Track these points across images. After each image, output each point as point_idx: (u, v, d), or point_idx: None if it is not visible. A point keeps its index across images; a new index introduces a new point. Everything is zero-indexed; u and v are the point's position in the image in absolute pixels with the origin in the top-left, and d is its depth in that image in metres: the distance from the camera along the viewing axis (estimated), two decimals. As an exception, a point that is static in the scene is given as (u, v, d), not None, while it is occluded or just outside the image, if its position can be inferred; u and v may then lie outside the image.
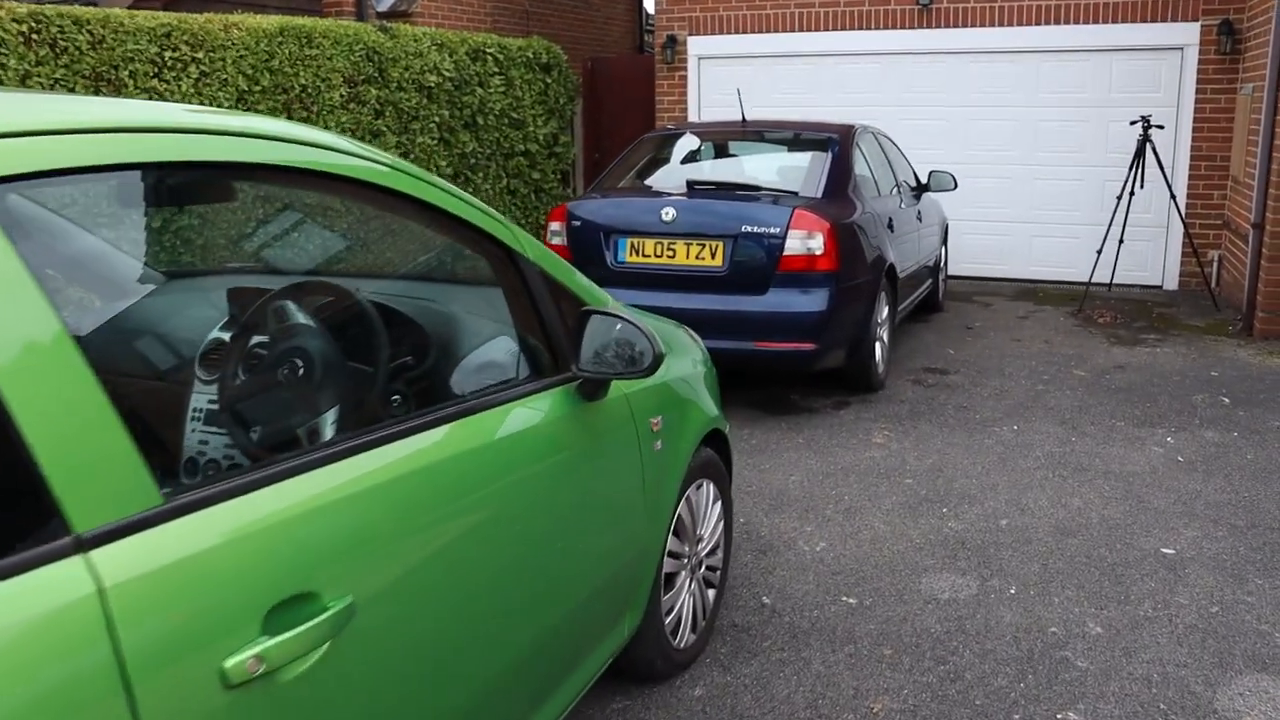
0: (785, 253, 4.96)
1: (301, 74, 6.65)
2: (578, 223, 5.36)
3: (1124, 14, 8.83)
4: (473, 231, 2.04)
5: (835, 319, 5.09)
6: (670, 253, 5.16)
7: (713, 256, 5.09)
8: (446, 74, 8.16)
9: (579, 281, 2.35)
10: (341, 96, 7.01)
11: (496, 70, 9.05)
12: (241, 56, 6.19)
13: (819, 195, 5.30)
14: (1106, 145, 9.11)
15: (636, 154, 6.07)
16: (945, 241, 8.36)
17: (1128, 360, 6.56)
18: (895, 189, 6.68)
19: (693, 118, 10.45)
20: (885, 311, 5.87)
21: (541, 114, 9.92)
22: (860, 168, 6.00)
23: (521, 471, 2.02)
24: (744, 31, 10.07)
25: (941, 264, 8.14)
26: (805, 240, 4.95)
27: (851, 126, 6.17)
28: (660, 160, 5.99)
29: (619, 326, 2.16)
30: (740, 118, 6.29)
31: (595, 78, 11.56)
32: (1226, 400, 5.62)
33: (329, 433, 1.88)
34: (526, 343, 2.17)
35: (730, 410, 5.40)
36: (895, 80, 9.64)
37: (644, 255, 5.22)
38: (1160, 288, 9.14)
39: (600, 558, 2.30)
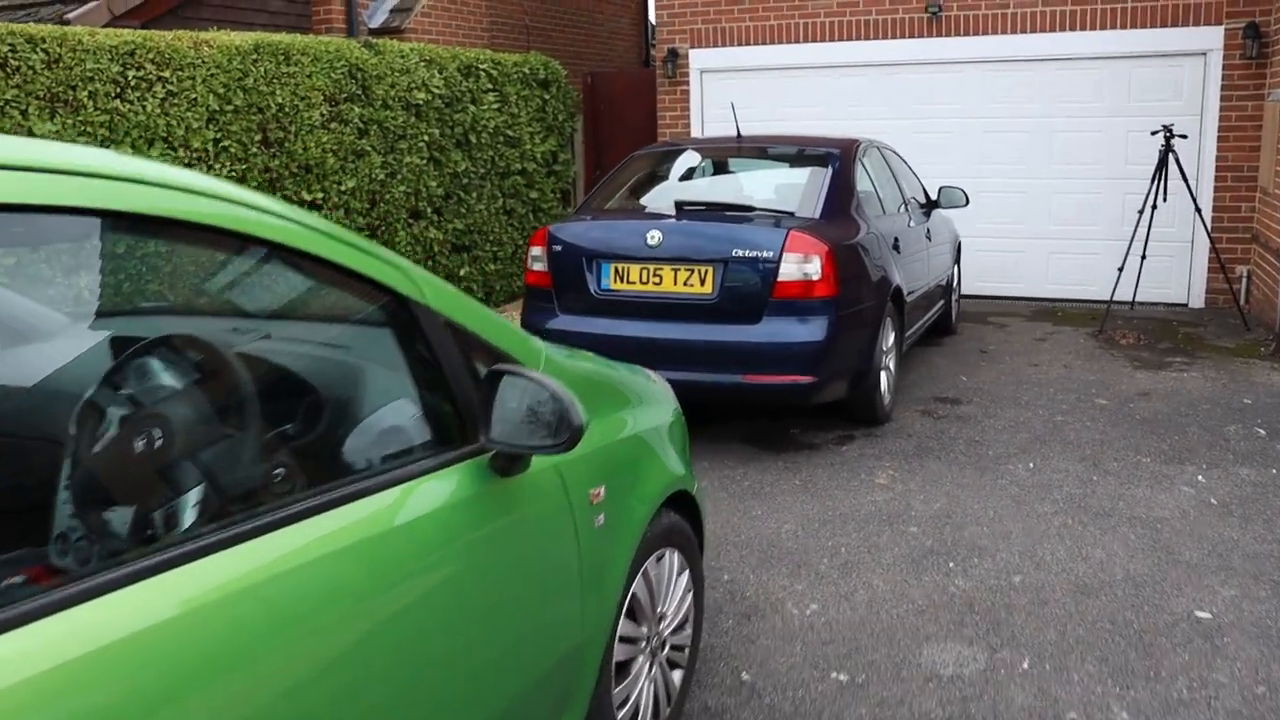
0: (780, 278, 4.60)
1: (278, 92, 6.36)
2: (559, 247, 5.02)
3: (1143, 19, 8.44)
4: (356, 278, 1.70)
5: (835, 349, 4.72)
6: (656, 279, 4.81)
7: (701, 283, 4.73)
8: (436, 91, 7.86)
9: (500, 332, 2.00)
10: (322, 115, 6.72)
11: (490, 87, 8.76)
12: (212, 75, 5.91)
13: (817, 215, 4.94)
14: (1127, 156, 8.70)
15: (625, 172, 5.73)
16: (958, 260, 7.97)
17: (1153, 386, 6.14)
18: (902, 206, 6.31)
19: (695, 133, 10.12)
20: (891, 338, 5.50)
21: (539, 131, 9.62)
22: (863, 185, 5.64)
23: (420, 565, 1.68)
24: (747, 43, 9.75)
25: (954, 284, 7.75)
26: (801, 264, 4.59)
27: (854, 141, 5.81)
28: (651, 179, 5.66)
29: (534, 389, 1.80)
30: (735, 133, 5.95)
31: (596, 93, 11.26)
32: (1262, 432, 5.20)
33: (184, 522, 1.54)
34: (430, 408, 1.82)
35: (723, 447, 5.03)
36: (905, 92, 9.28)
37: (629, 282, 4.88)
38: (1185, 306, 8.71)
39: (526, 657, 1.94)
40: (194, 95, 5.80)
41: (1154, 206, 7.64)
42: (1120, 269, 7.91)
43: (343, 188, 6.94)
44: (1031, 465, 4.75)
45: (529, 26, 12.11)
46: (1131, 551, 3.78)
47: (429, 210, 7.96)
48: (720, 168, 5.70)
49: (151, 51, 5.57)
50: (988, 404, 5.82)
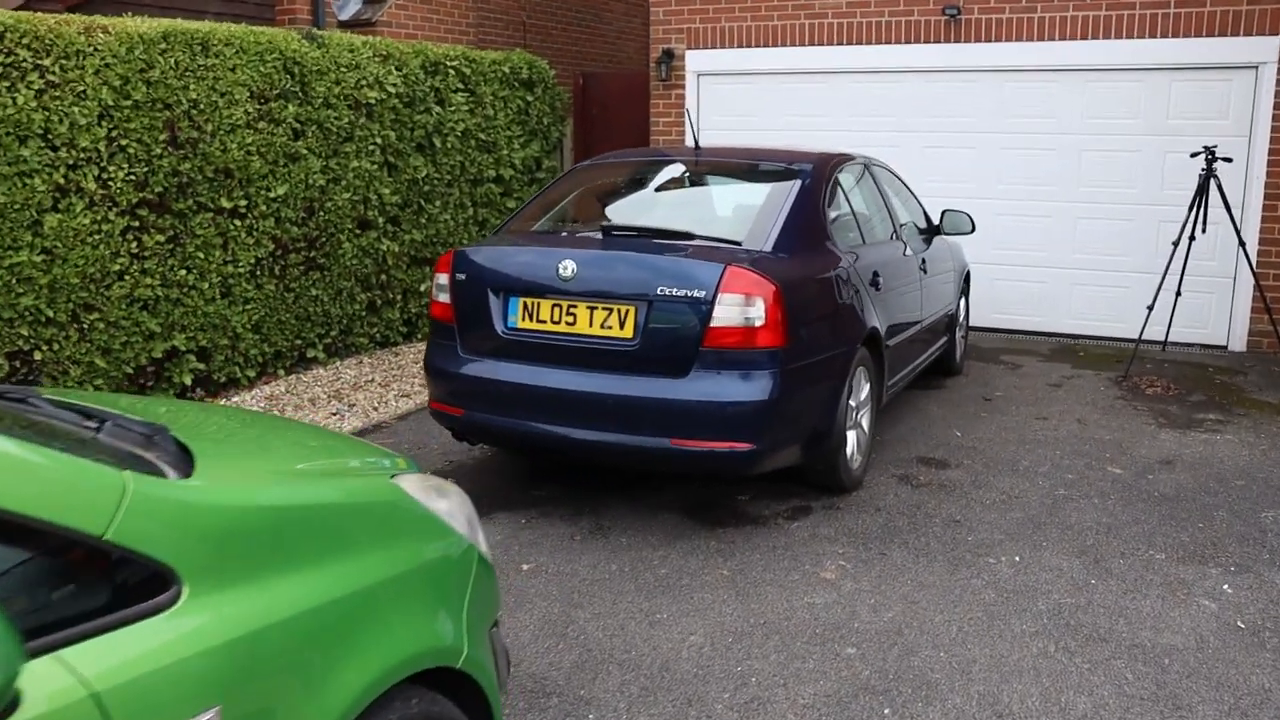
0: (713, 323, 3.80)
1: (192, 87, 5.67)
2: (463, 275, 4.26)
3: (1187, 26, 7.51)
4: None
5: (783, 410, 3.91)
6: (570, 318, 4.04)
7: (621, 325, 3.95)
8: (392, 89, 7.15)
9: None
10: (247, 114, 6.02)
11: (461, 86, 8.04)
12: (107, 65, 5.23)
13: (769, 246, 4.13)
14: (1163, 180, 7.77)
15: (562, 186, 4.96)
16: (966, 292, 7.11)
17: (1178, 452, 5.25)
18: (894, 234, 5.48)
19: (689, 141, 9.32)
20: (865, 390, 4.68)
21: (519, 135, 8.88)
22: (839, 209, 4.83)
23: None
24: (749, 45, 8.93)
25: (960, 318, 6.89)
26: (741, 307, 3.79)
27: (831, 157, 4.99)
28: (591, 195, 4.88)
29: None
30: (694, 144, 5.15)
31: (587, 95, 10.51)
32: (1306, 522, 4.32)
33: None
34: None
35: (648, 517, 4.24)
36: (917, 102, 8.41)
37: (539, 320, 4.10)
38: (1224, 349, 7.76)
39: None
40: (82, 88, 5.12)
41: (1192, 237, 6.75)
42: (1151, 306, 6.99)
43: (271, 194, 6.24)
44: (1018, 559, 3.91)
45: (526, 23, 11.40)
46: (1128, 702, 2.94)
47: (381, 220, 7.24)
48: (669, 185, 4.92)
49: (26, 36, 4.89)
50: (979, 469, 4.97)
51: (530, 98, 9.05)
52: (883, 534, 4.13)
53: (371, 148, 7.06)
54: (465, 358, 4.26)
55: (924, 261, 5.70)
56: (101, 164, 5.26)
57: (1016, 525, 4.25)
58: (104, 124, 5.24)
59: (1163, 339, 7.43)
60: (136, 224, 5.47)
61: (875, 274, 4.81)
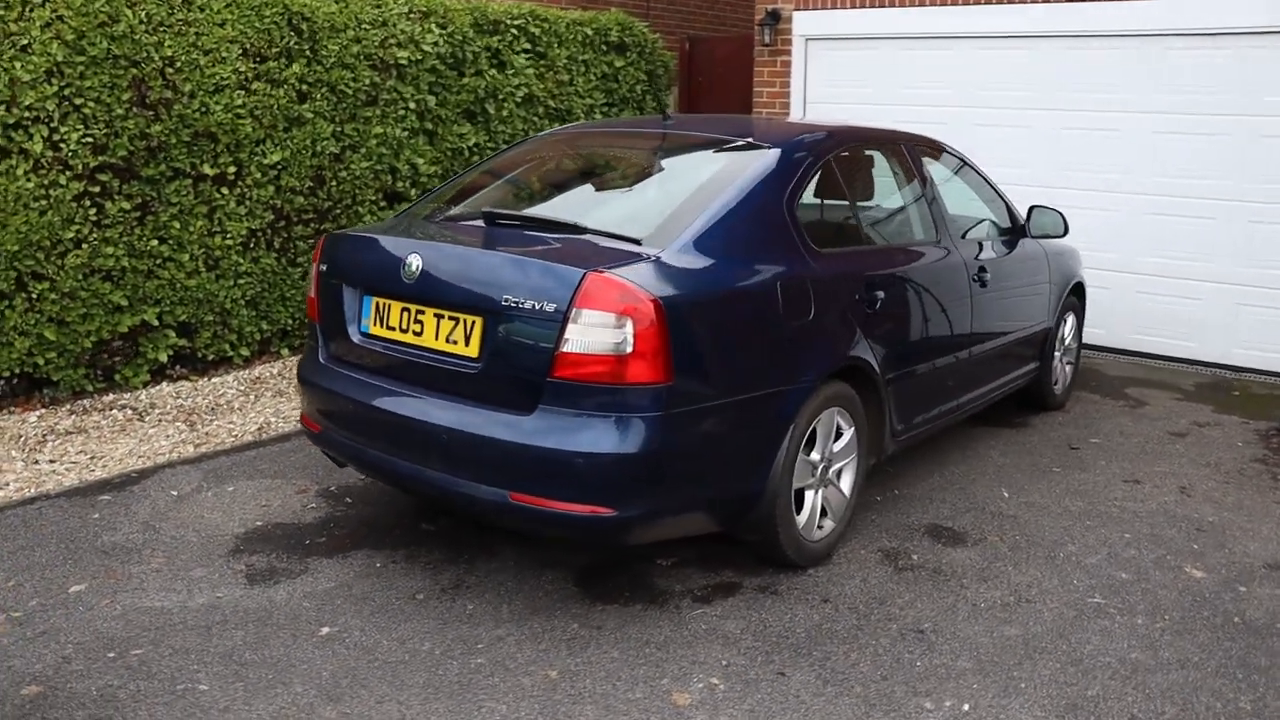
0: (564, 347, 2.89)
1: (168, 43, 5.24)
2: (326, 266, 3.54)
3: None
4: None
5: (668, 466, 2.96)
6: (418, 326, 3.23)
7: (466, 340, 3.10)
8: (430, 48, 6.52)
9: None
10: (238, 73, 5.55)
11: (527, 47, 7.32)
12: (59, 17, 4.86)
13: (680, 248, 3.13)
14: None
15: (499, 160, 4.12)
16: (1077, 308, 5.71)
17: (1307, 552, 3.83)
18: (937, 235, 4.30)
19: (795, 113, 8.21)
20: (847, 438, 3.60)
21: (602, 103, 8.09)
22: (829, 202, 3.75)
23: None
24: (866, 6, 7.69)
25: (1060, 340, 5.53)
26: (604, 329, 2.86)
27: (831, 135, 3.90)
28: (520, 172, 4.01)
29: None
30: (662, 114, 4.17)
31: (694, 61, 9.53)
32: None
33: None
34: None
35: (530, 576, 3.40)
36: (1055, 73, 6.92)
37: (389, 326, 3.32)
38: None
39: None
40: (25, 41, 4.77)
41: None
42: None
43: (266, 161, 5.76)
44: (966, 709, 2.78)
45: (647, -17, 10.52)
46: None
47: (414, 192, 6.66)
48: (611, 163, 3.98)
49: (-40, -16, 4.58)
50: (1003, 551, 3.77)
51: (621, 62, 8.22)
52: (806, 641, 3.09)
53: (402, 112, 6.48)
54: (323, 365, 3.55)
55: (982, 269, 4.46)
56: (51, 123, 4.91)
57: (1001, 649, 3.09)
58: (56, 83, 4.89)
59: (1354, 382, 5.74)
60: (96, 189, 5.11)
61: (872, 285, 3.69)
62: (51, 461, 4.48)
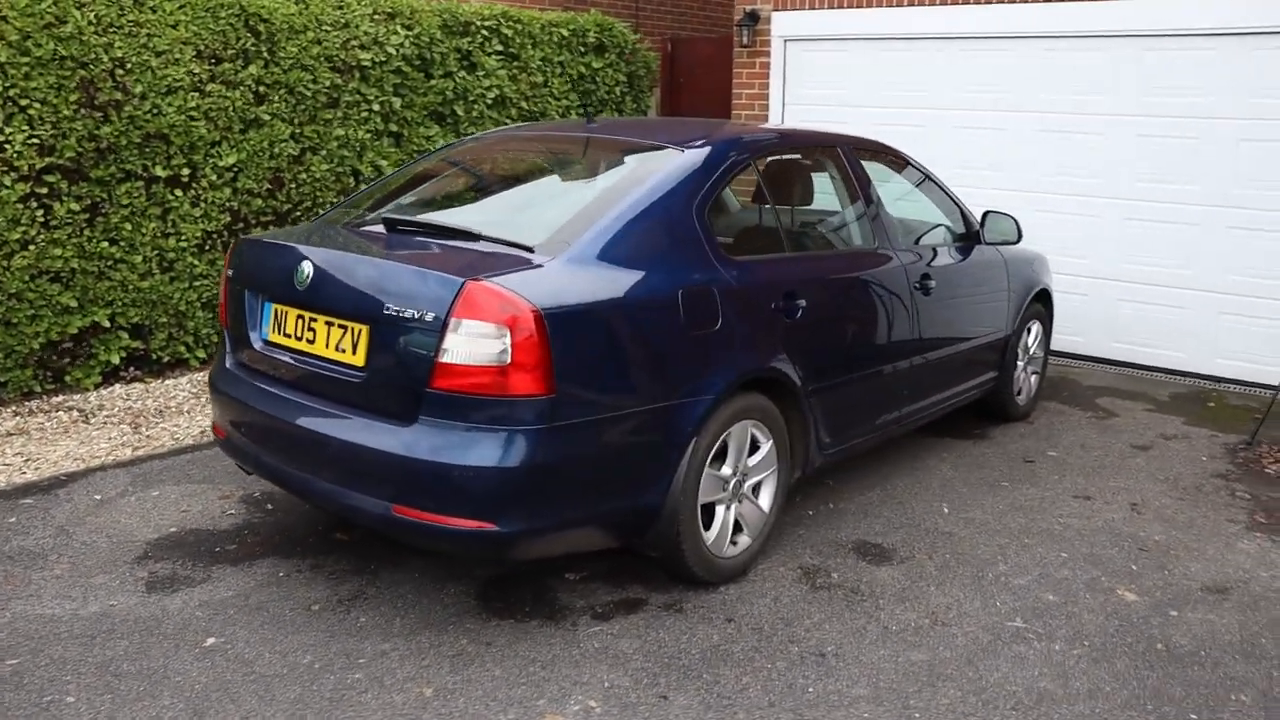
0: (443, 357, 2.81)
1: (118, 44, 5.22)
2: (231, 271, 3.49)
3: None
4: None
5: (552, 481, 2.87)
6: (310, 334, 3.16)
7: (354, 349, 3.03)
8: (394, 50, 6.47)
9: None
10: (192, 76, 5.52)
11: (500, 49, 7.25)
12: (3, 18, 4.85)
13: (576, 255, 3.03)
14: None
15: (426, 164, 4.04)
16: (1044, 316, 5.55)
17: (1250, 574, 3.67)
18: (877, 241, 4.18)
19: (775, 115, 8.09)
20: (764, 452, 3.50)
21: (577, 105, 8.00)
22: (751, 208, 3.65)
23: None
24: (841, 5, 7.56)
25: (1027, 348, 5.39)
26: (483, 339, 2.78)
27: (750, 138, 3.79)
28: (442, 175, 3.93)
29: None
30: (586, 117, 4.08)
31: (675, 62, 9.43)
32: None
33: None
34: None
35: (431, 589, 3.32)
36: (1034, 75, 6.77)
37: (285, 334, 3.26)
38: None
39: None
40: (-33, 42, 4.77)
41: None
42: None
43: (221, 163, 5.73)
44: (856, 733, 2.67)
45: (637, -16, 10.43)
46: None
47: (380, 195, 6.60)
48: (520, 169, 3.88)
49: (-101, -15, 4.58)
50: (929, 570, 3.65)
51: (599, 64, 8.14)
52: (699, 663, 2.99)
53: (365, 114, 6.43)
54: (229, 371, 3.49)
55: (926, 276, 4.33)
56: (-4, 126, 4.91)
57: (902, 675, 2.97)
58: None
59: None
60: (44, 190, 5.10)
61: (792, 294, 3.58)
62: (-15, 463, 4.47)
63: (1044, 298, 5.53)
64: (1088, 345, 6.78)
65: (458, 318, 2.78)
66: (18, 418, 4.99)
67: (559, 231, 3.11)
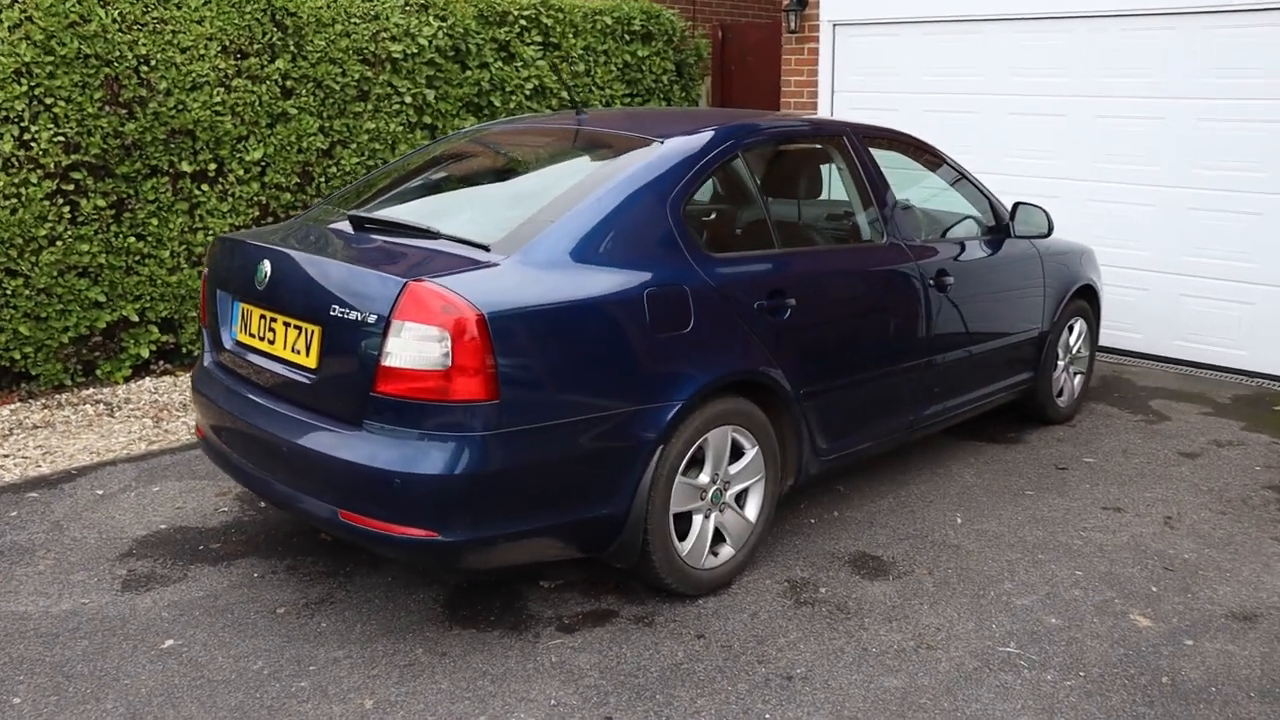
0: (385, 360, 2.71)
1: (142, 41, 5.28)
2: (208, 269, 3.47)
3: None
4: None
5: (499, 488, 2.76)
6: (270, 334, 3.11)
7: (307, 350, 2.96)
8: (426, 41, 6.43)
9: None
10: (218, 71, 5.57)
11: (538, 39, 7.16)
12: (29, 19, 4.94)
13: (534, 254, 2.89)
14: None
15: (414, 159, 3.95)
16: (1088, 314, 5.21)
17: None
18: (886, 232, 3.95)
19: (823, 104, 7.82)
20: (748, 459, 3.33)
21: (624, 94, 7.87)
22: (733, 202, 3.47)
23: None
24: (893, -15, 7.25)
25: (1068, 347, 5.07)
26: (424, 342, 2.67)
27: (738, 129, 3.56)
28: (424, 171, 3.82)
29: None
30: (575, 109, 3.94)
31: (726, 49, 9.19)
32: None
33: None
34: None
35: (400, 595, 3.26)
36: (1091, 57, 6.36)
37: (250, 333, 3.22)
38: None
39: None
40: (-7, 43, 4.87)
41: None
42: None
43: (248, 158, 5.77)
44: (807, 766, 2.50)
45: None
46: None
47: (412, 188, 6.59)
48: (506, 163, 3.75)
49: (-75, -12, 4.70)
50: (926, 587, 3.42)
51: (645, 52, 7.99)
52: (656, 682, 2.84)
53: (397, 107, 6.41)
54: (206, 370, 3.48)
55: (942, 272, 4.08)
56: (23, 123, 5.01)
57: (871, 704, 2.77)
58: (25, 82, 4.98)
59: None
60: (70, 187, 5.20)
61: (780, 292, 3.39)
62: (6, 456, 4.57)
63: (1088, 294, 5.18)
64: (1146, 342, 6.37)
65: (399, 319, 2.69)
66: (46, 410, 5.11)
67: (518, 229, 2.99)
